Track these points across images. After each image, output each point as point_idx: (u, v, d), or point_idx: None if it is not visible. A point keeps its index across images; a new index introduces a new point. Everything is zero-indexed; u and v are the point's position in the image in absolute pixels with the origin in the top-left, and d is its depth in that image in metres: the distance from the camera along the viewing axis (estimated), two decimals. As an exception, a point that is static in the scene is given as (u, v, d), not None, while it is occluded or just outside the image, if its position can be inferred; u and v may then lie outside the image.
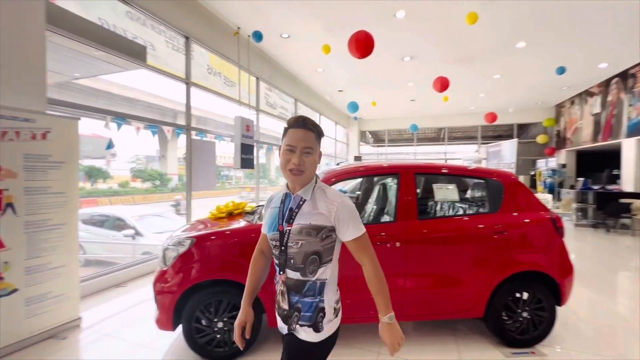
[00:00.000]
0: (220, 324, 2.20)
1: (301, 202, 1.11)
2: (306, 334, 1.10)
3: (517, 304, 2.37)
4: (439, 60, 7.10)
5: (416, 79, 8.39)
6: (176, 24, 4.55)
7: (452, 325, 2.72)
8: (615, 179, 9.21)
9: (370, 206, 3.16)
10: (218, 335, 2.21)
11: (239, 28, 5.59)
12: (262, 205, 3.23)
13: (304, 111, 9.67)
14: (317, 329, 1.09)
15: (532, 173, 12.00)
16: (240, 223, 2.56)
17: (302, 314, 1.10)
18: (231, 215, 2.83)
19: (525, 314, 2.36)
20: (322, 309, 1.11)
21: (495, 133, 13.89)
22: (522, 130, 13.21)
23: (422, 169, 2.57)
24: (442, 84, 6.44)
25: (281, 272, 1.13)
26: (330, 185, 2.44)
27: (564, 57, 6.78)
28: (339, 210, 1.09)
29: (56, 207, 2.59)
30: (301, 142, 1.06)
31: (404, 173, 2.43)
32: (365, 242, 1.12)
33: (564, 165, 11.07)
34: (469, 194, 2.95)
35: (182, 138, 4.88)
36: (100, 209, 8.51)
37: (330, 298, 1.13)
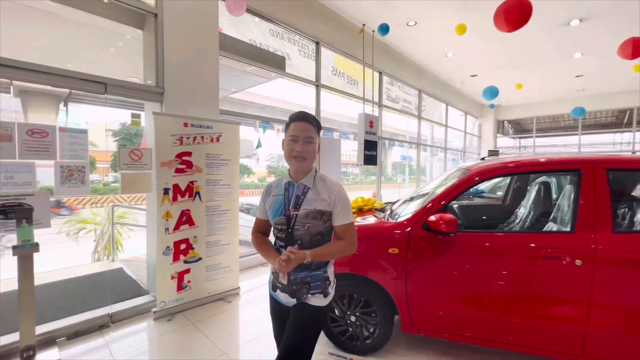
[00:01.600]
0: (352, 318, 2.24)
1: (305, 190, 1.29)
2: (318, 300, 1.30)
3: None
4: (626, 19, 5.20)
5: (587, 47, 6.44)
6: (308, 31, 4.95)
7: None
8: None
9: (524, 210, 2.57)
10: (350, 329, 2.25)
11: (364, 25, 5.62)
12: (390, 202, 3.13)
13: (429, 102, 8.96)
14: (326, 294, 1.32)
15: None
16: (370, 219, 2.53)
17: (312, 284, 1.30)
18: (361, 211, 2.84)
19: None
20: (327, 278, 1.34)
21: None
22: None
23: (618, 163, 1.89)
24: (636, 48, 4.67)
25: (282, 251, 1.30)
26: (473, 186, 2.11)
27: None
28: (337, 198, 1.28)
29: (225, 196, 3.23)
30: (303, 132, 1.25)
31: (589, 169, 1.83)
32: (350, 229, 1.30)
33: None
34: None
35: None
36: (246, 199, 10.32)
37: (331, 269, 1.38)
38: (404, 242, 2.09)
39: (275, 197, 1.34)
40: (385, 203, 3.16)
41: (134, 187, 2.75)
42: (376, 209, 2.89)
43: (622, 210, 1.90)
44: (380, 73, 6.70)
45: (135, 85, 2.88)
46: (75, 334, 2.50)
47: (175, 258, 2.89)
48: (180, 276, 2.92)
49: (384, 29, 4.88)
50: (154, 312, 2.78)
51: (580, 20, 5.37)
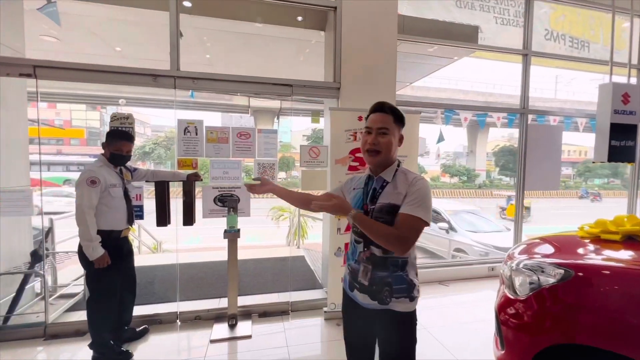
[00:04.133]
0: None
1: (384, 184, 1.21)
2: (403, 305, 1.17)
3: None
4: None
5: None
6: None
7: None
8: None
9: None
10: None
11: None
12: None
13: None
14: (412, 298, 1.19)
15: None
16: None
17: (394, 287, 1.17)
18: (632, 240, 1.65)
19: None
20: (411, 281, 1.20)
21: None
22: None
23: None
24: None
25: (365, 249, 1.20)
26: None
27: None
28: (412, 189, 1.15)
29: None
30: (377, 124, 1.19)
31: None
32: (413, 224, 1.11)
33: None
34: None
35: (492, 132, 4.03)
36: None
37: (414, 272, 1.22)
38: None
39: (355, 191, 1.31)
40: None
41: (312, 183, 2.79)
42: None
43: None
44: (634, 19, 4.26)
45: (315, 83, 2.93)
46: (264, 314, 2.79)
47: (345, 261, 2.73)
48: (350, 280, 2.75)
49: None
50: (325, 311, 2.74)
51: None
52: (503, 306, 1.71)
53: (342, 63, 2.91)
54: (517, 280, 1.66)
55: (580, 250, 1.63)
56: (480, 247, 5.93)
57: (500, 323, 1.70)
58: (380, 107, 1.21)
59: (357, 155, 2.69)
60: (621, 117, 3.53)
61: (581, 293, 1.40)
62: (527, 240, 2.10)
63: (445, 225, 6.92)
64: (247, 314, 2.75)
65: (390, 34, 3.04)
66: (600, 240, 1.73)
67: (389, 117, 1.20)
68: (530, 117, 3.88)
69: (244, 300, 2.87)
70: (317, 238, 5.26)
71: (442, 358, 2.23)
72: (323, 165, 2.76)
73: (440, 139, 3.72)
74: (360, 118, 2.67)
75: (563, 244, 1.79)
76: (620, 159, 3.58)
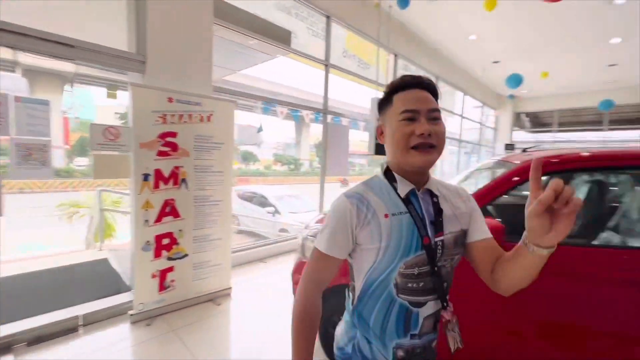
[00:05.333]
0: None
1: (435, 200, 0.79)
2: None
3: None
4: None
5: (629, 31, 5.77)
6: (318, 3, 4.43)
7: None
8: None
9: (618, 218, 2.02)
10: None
11: (380, -1, 5.06)
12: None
13: (446, 91, 8.37)
14: None
15: None
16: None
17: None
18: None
19: None
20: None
21: None
22: None
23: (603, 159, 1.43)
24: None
25: (445, 305, 0.78)
26: (524, 182, 1.66)
27: None
28: (470, 202, 0.84)
29: (216, 184, 2.83)
30: (425, 104, 0.74)
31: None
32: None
33: None
34: None
35: (315, 126, 4.84)
36: (250, 187, 9.97)
37: None
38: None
39: (393, 218, 0.74)
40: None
41: (110, 171, 2.36)
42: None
43: None
44: (396, 55, 6.15)
45: (108, 49, 2.44)
46: (38, 339, 2.16)
47: (157, 254, 2.51)
48: (163, 275, 2.55)
49: (404, 1, 4.34)
50: (131, 314, 2.43)
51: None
52: (296, 269, 2.11)
53: (150, 34, 2.57)
54: (308, 246, 2.09)
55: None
56: (299, 225, 6.93)
57: (294, 284, 2.09)
58: (420, 82, 0.77)
59: (168, 139, 2.49)
60: (382, 123, 5.01)
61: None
62: (323, 213, 2.66)
63: (271, 209, 7.59)
64: (6, 347, 2.04)
65: (207, 15, 2.94)
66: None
67: (434, 97, 0.77)
68: (329, 116, 4.83)
69: (4, 331, 2.10)
70: (125, 238, 4.53)
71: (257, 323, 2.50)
72: (124, 149, 2.38)
73: (260, 129, 4.01)
74: (170, 99, 2.47)
75: None
76: (381, 153, 5.11)
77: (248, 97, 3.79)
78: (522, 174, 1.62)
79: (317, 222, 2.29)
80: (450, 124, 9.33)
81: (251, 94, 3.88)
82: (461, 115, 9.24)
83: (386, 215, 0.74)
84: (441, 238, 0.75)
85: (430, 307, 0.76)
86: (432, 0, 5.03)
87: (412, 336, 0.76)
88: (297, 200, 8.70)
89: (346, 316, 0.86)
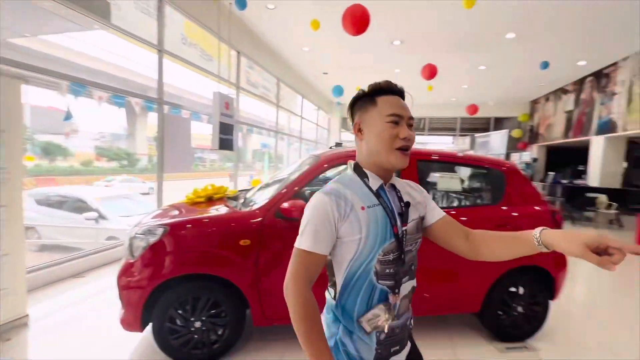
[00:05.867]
0: (197, 324, 1.94)
1: (399, 194, 0.88)
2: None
3: (512, 299, 2.31)
4: (428, 46, 6.94)
5: (403, 65, 8.21)
6: (147, -21, 3.98)
7: (445, 320, 2.64)
8: (580, 174, 9.73)
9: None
10: (196, 336, 1.95)
11: (219, -7, 5.05)
12: (245, 190, 2.93)
13: (287, 92, 9.23)
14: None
15: (506, 166, 12.48)
16: (222, 209, 2.27)
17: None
18: (211, 200, 2.52)
19: (520, 309, 2.31)
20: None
21: (472, 125, 14.17)
22: (498, 124, 13.57)
23: (425, 155, 2.39)
24: (431, 72, 6.30)
25: (396, 291, 0.83)
26: (323, 172, 2.21)
27: (549, 51, 6.85)
28: (425, 192, 0.96)
29: (-5, 185, 2.15)
30: (406, 111, 0.84)
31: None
32: None
33: (535, 160, 11.55)
34: (468, 184, 2.84)
35: (154, 116, 4.38)
36: (58, 189, 7.73)
37: None
38: (256, 231, 1.96)
39: (369, 210, 0.81)
40: (240, 190, 2.95)
41: None
42: (229, 197, 2.63)
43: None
44: (238, 53, 6.30)
45: None
46: None
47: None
48: None
49: (241, 3, 4.53)
50: None
51: (401, 42, 6.74)
52: (123, 272, 1.95)
53: None
54: (135, 244, 1.96)
55: (176, 212, 2.24)
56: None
57: (121, 289, 1.93)
58: (401, 91, 0.87)
59: None
60: (225, 118, 5.07)
61: (177, 240, 1.94)
62: (163, 207, 2.50)
63: (93, 214, 6.20)
64: None
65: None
66: (196, 203, 2.47)
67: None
68: (167, 107, 4.45)
69: None
70: None
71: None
72: None
73: (68, 116, 3.23)
74: None
75: (181, 208, 2.34)
76: (226, 148, 5.18)
77: (46, 74, 2.96)
78: (319, 167, 2.16)
79: (153, 218, 2.17)
80: (293, 123, 10.40)
81: (52, 70, 3.05)
82: (301, 116, 10.45)
83: (363, 208, 0.81)
84: (405, 228, 0.85)
85: (405, 289, 0.85)
86: (269, 8, 5.47)
87: (393, 318, 0.83)
88: (131, 201, 7.48)
89: (326, 313, 0.90)
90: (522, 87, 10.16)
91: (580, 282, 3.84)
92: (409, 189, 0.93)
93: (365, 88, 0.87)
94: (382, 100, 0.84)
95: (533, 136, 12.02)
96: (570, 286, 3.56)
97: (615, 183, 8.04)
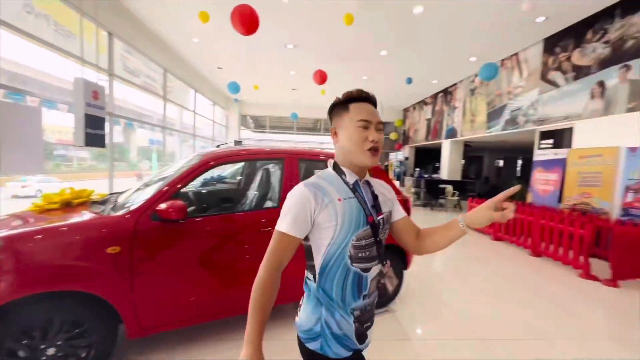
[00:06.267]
0: (51, 351, 1.66)
1: (372, 190, 1.03)
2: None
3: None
4: (319, 53, 7.49)
5: (298, 68, 8.62)
6: None
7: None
8: (437, 170, 12.26)
9: (253, 192, 3.04)
10: (49, 366, 1.67)
11: (80, -39, 4.25)
12: (117, 193, 2.61)
13: (177, 84, 8.43)
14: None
15: (386, 164, 14.57)
16: (85, 216, 1.98)
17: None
18: (69, 207, 2.16)
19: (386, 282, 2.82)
20: None
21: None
22: (381, 127, 15.65)
23: (305, 155, 2.64)
24: (321, 77, 6.83)
25: (384, 264, 1.20)
26: (208, 169, 2.20)
27: (413, 69, 8.37)
28: (393, 192, 1.11)
29: None
30: (375, 117, 0.96)
31: (288, 158, 2.44)
32: None
33: (406, 158, 13.91)
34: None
35: None
36: None
37: None
38: (128, 237, 1.81)
39: (346, 202, 0.94)
40: (110, 194, 2.61)
41: None
42: (95, 202, 2.31)
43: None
44: (111, 34, 5.42)
45: None
46: None
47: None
48: None
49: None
50: None
51: (294, 46, 7.07)
52: None
53: None
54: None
55: (19, 222, 1.85)
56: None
57: None
58: (371, 98, 0.99)
59: None
60: (94, 109, 4.32)
61: (16, 256, 1.61)
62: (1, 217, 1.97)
63: None
64: None
65: None
66: (46, 210, 2.08)
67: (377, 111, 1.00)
68: (1, 91, 3.50)
69: None
70: None
71: None
72: None
73: None
74: None
75: (26, 218, 1.91)
76: (94, 144, 4.41)
77: None
78: (202, 166, 2.15)
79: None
80: (186, 118, 9.57)
81: None
82: (194, 111, 9.72)
83: (340, 199, 0.94)
84: (382, 216, 1.00)
85: (374, 271, 0.98)
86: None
87: (364, 297, 0.96)
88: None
89: (307, 302, 0.98)
90: (397, 96, 12.06)
91: (428, 258, 4.90)
92: (381, 188, 1.08)
93: (341, 96, 1.00)
94: (353, 107, 0.96)
95: (405, 139, 14.44)
96: (423, 261, 4.50)
97: (457, 176, 10.48)
